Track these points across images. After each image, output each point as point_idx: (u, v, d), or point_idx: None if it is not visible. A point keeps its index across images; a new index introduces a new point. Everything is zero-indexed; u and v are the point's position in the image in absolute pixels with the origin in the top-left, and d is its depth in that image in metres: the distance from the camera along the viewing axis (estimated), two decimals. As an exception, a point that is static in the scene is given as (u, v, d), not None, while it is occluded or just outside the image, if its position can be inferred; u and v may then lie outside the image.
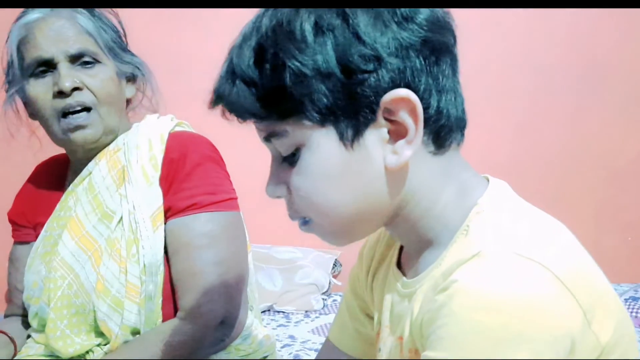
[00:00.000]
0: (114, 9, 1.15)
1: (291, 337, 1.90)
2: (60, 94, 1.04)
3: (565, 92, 2.46)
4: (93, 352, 1.06)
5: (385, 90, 0.56)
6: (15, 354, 1.12)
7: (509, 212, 0.59)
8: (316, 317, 2.09)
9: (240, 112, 0.60)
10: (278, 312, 2.15)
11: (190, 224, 1.04)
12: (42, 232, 1.13)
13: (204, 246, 1.04)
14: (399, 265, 0.70)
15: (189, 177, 1.06)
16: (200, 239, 1.04)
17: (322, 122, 0.57)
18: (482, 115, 2.39)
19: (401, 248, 0.72)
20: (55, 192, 1.18)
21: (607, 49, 2.44)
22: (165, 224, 1.05)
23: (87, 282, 1.03)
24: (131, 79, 1.15)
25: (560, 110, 2.47)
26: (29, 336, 1.14)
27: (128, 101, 1.16)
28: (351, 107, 0.56)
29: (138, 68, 1.15)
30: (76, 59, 1.06)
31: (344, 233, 0.64)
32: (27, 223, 1.19)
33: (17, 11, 1.10)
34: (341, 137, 0.58)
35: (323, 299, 2.22)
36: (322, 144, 0.58)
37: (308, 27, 0.55)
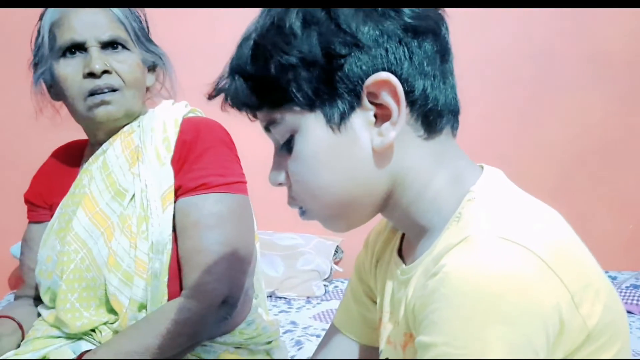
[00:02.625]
0: None
1: (293, 322, 1.91)
2: (90, 75, 1.09)
3: (567, 81, 2.46)
4: (101, 331, 1.09)
5: (368, 74, 0.59)
6: (23, 340, 1.14)
7: (501, 199, 0.60)
8: (317, 304, 2.10)
9: (238, 104, 0.65)
10: (280, 298, 2.16)
11: (199, 203, 1.07)
12: (58, 210, 1.17)
13: (212, 226, 1.07)
14: (400, 252, 0.72)
15: (201, 158, 1.10)
16: (208, 219, 1.07)
17: (311, 107, 0.61)
18: (484, 104, 2.39)
19: (403, 235, 0.73)
20: (71, 172, 1.22)
21: (609, 39, 2.43)
22: (175, 202, 1.09)
23: (99, 256, 1.07)
24: (152, 68, 1.21)
25: (561, 100, 2.47)
26: (39, 315, 1.17)
27: (146, 89, 1.21)
28: (335, 92, 0.60)
29: (160, 58, 1.21)
30: (107, 45, 1.11)
31: (339, 217, 0.67)
32: (44, 203, 1.23)
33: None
34: (328, 120, 0.61)
35: (324, 285, 2.23)
36: (311, 128, 0.62)
37: (297, 23, 0.60)
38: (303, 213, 0.68)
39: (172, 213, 1.08)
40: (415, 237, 0.67)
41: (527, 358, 0.49)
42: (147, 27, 1.21)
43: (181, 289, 1.07)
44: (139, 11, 1.20)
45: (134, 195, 1.10)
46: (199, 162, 1.10)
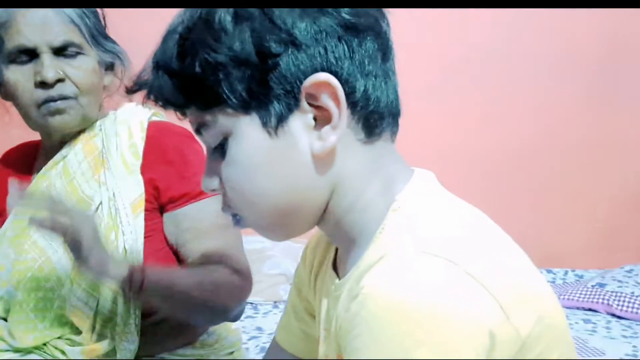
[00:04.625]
0: None
1: (259, 328, 1.88)
2: (43, 85, 1.03)
3: (535, 81, 2.48)
4: (55, 346, 1.05)
5: (306, 75, 0.56)
6: None
7: (426, 208, 0.57)
8: (285, 308, 2.06)
9: (162, 101, 0.61)
10: (246, 303, 2.12)
11: (207, 207, 1.07)
12: (11, 216, 1.12)
13: (227, 225, 1.08)
14: (335, 266, 0.69)
15: (193, 163, 1.08)
16: (222, 218, 1.08)
17: (245, 110, 0.57)
18: (447, 103, 2.39)
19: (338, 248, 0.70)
20: (24, 177, 1.16)
21: (584, 38, 2.45)
22: (176, 209, 1.07)
23: (59, 265, 1.03)
24: (110, 67, 1.14)
25: (530, 100, 2.48)
26: None
27: (104, 87, 1.16)
28: (271, 93, 0.56)
29: (119, 57, 1.14)
30: (60, 50, 1.04)
31: (277, 226, 0.63)
32: None
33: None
34: (264, 124, 0.57)
35: (292, 289, 2.21)
36: (246, 132, 0.58)
37: (227, 18, 0.56)
38: (237, 222, 0.64)
39: (142, 221, 1.05)
40: (346, 251, 0.63)
41: None
42: (105, 23, 1.14)
43: None
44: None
45: (100, 203, 1.05)
46: (193, 166, 1.08)
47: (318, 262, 0.75)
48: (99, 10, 1.12)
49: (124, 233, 1.04)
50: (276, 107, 0.56)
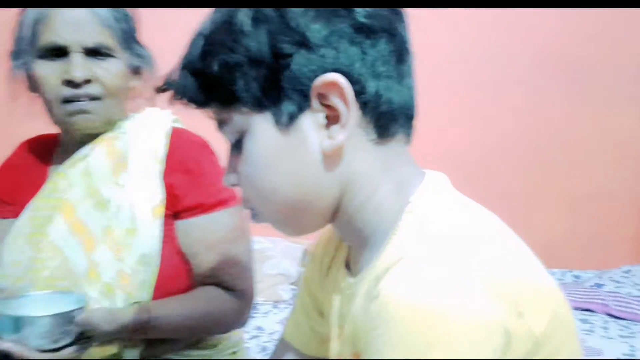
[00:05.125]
0: None
1: (259, 328, 1.89)
2: (70, 83, 1.02)
3: (531, 82, 2.49)
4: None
5: (317, 75, 0.57)
6: None
7: (439, 210, 0.58)
8: (285, 308, 2.08)
9: (186, 99, 0.63)
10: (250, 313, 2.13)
11: (221, 219, 1.09)
12: (28, 212, 1.11)
13: (237, 238, 1.11)
14: (348, 264, 0.70)
15: (208, 174, 1.10)
16: (232, 232, 1.10)
17: (259, 108, 0.59)
18: (446, 106, 2.40)
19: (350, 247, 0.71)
20: (40, 169, 1.16)
21: (569, 38, 2.46)
22: (189, 218, 1.08)
23: (75, 267, 1.03)
24: (136, 70, 1.13)
25: (526, 102, 2.50)
26: None
27: (129, 90, 1.15)
28: (283, 92, 0.58)
29: (147, 62, 1.14)
30: (91, 51, 1.04)
31: (289, 221, 0.65)
32: (8, 198, 1.16)
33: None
34: (277, 122, 0.59)
35: (292, 289, 2.22)
36: (260, 129, 0.60)
37: (247, 20, 0.58)
38: (254, 216, 0.66)
39: (161, 226, 1.06)
40: (359, 249, 0.65)
41: None
42: (136, 27, 1.13)
43: None
44: (130, 10, 1.12)
45: (119, 206, 1.05)
46: (208, 178, 1.09)
47: (329, 259, 0.76)
48: (132, 14, 1.11)
49: (141, 238, 1.04)
50: (288, 105, 0.58)
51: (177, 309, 1.04)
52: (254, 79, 0.58)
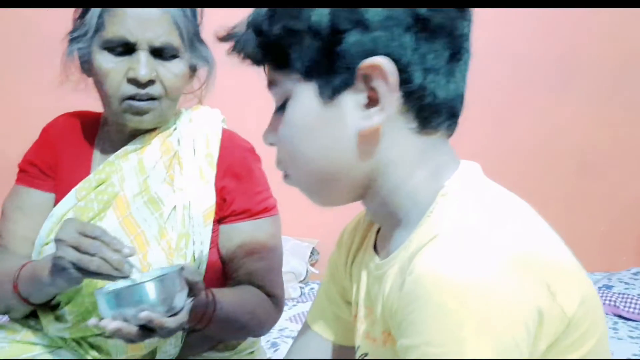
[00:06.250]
0: None
1: (269, 325, 1.89)
2: (134, 81, 1.00)
3: (538, 84, 2.48)
4: (91, 345, 1.05)
5: (367, 56, 0.58)
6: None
7: (473, 194, 0.60)
8: (293, 305, 2.08)
9: (244, 54, 0.66)
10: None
11: (264, 226, 1.11)
12: (73, 198, 1.07)
13: (276, 246, 1.14)
14: (375, 247, 0.71)
15: (257, 181, 1.12)
16: (273, 239, 1.13)
17: (307, 76, 0.61)
18: (467, 107, 2.40)
19: (378, 231, 0.73)
20: (83, 149, 1.13)
21: (582, 42, 2.46)
22: (234, 223, 1.09)
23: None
24: (195, 69, 1.12)
25: (533, 103, 2.49)
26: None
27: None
28: (333, 66, 0.60)
29: (208, 62, 1.11)
30: (158, 50, 1.02)
31: (316, 190, 0.67)
32: (49, 171, 1.12)
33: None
34: (320, 93, 0.61)
35: (300, 287, 2.22)
36: (303, 97, 0.62)
37: None
38: (285, 177, 0.68)
39: (211, 231, 1.07)
40: (390, 230, 0.66)
41: (508, 350, 0.49)
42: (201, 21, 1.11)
43: None
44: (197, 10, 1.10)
45: (174, 208, 1.05)
46: (257, 185, 1.11)
47: (357, 244, 0.77)
48: (199, 13, 1.10)
49: (194, 242, 1.04)
50: (334, 79, 0.60)
51: (234, 300, 1.03)
52: (308, 47, 0.60)
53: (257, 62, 0.65)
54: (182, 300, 0.85)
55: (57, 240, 0.86)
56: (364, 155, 0.62)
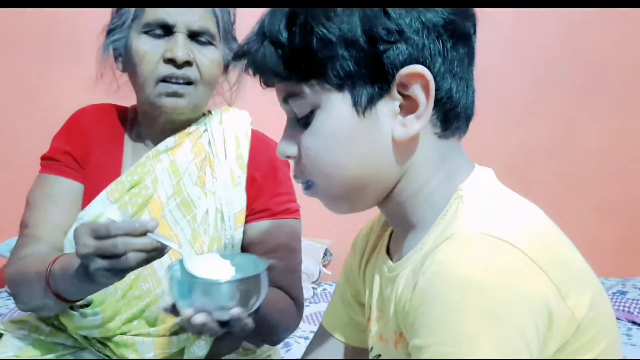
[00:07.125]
0: None
1: (281, 325, 1.89)
2: (170, 62, 1.02)
3: (560, 88, 2.47)
4: (117, 344, 1.04)
5: (403, 65, 0.59)
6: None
7: (486, 196, 0.61)
8: (306, 306, 2.07)
9: (264, 71, 0.64)
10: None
11: (285, 227, 1.10)
12: (105, 201, 1.05)
13: (297, 249, 1.12)
14: (388, 250, 0.72)
15: (281, 181, 1.11)
16: (293, 241, 1.11)
17: (340, 87, 0.61)
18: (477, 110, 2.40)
19: (391, 234, 0.74)
20: (113, 143, 1.13)
21: (603, 45, 2.44)
22: (253, 222, 1.08)
23: (160, 268, 1.02)
24: (227, 66, 1.13)
25: (554, 106, 2.48)
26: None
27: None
28: (369, 76, 0.60)
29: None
30: (195, 34, 1.04)
31: (344, 199, 0.66)
32: (82, 161, 1.10)
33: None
34: (355, 103, 0.61)
35: (313, 287, 2.22)
36: (336, 107, 0.61)
37: None
38: (308, 187, 0.67)
39: (241, 234, 1.07)
40: (404, 232, 0.67)
41: (519, 350, 0.50)
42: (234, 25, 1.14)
43: None
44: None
45: (206, 211, 1.06)
46: (281, 186, 1.10)
47: (371, 247, 0.78)
48: (233, 12, 1.12)
49: (226, 246, 1.05)
50: (369, 89, 0.60)
51: (267, 300, 0.99)
52: (343, 58, 0.59)
53: (281, 78, 0.63)
54: (260, 300, 0.79)
55: (82, 257, 0.80)
56: (398, 161, 0.63)
